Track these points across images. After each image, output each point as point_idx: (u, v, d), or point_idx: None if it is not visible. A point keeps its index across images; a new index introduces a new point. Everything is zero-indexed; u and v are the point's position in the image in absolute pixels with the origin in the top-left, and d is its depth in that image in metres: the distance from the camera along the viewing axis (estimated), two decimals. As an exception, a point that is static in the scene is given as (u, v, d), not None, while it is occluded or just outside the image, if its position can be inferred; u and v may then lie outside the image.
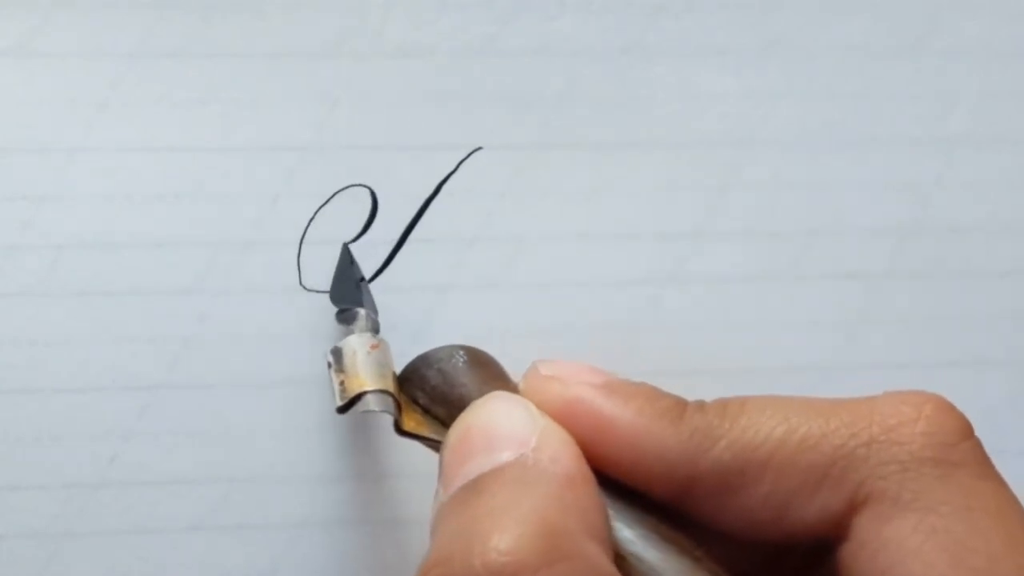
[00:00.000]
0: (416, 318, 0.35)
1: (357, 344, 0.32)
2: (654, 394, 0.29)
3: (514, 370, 0.34)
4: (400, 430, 0.31)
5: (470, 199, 0.36)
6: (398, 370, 0.32)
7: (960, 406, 0.36)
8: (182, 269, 0.35)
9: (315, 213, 0.36)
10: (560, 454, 0.27)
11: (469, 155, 0.36)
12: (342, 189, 0.36)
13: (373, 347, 0.32)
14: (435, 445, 0.30)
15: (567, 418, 0.28)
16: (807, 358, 0.37)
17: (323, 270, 0.35)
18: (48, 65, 0.35)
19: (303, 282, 0.35)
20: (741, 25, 0.38)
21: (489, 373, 0.31)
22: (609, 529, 0.27)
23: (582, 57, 0.37)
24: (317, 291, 0.35)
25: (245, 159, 0.36)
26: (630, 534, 0.27)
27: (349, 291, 0.34)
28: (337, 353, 0.32)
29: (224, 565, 0.34)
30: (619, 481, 0.28)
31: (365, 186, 0.36)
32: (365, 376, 0.32)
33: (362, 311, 0.34)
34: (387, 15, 0.37)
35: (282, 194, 0.36)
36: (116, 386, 0.34)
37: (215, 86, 0.36)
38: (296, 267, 0.35)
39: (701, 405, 0.29)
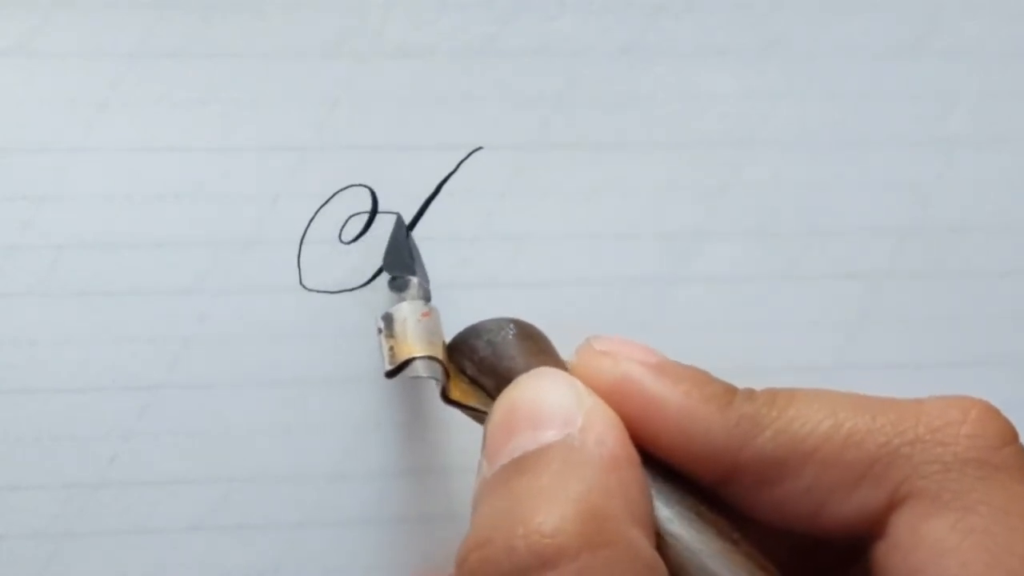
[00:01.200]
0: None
1: (408, 311, 0.32)
2: (704, 378, 0.29)
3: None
4: (446, 398, 0.31)
5: (470, 199, 0.36)
6: (447, 340, 0.32)
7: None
8: (182, 269, 0.35)
9: (315, 213, 0.36)
10: (606, 435, 0.27)
11: (469, 155, 0.36)
12: (342, 189, 0.36)
13: (424, 315, 0.32)
14: (480, 416, 0.30)
15: (616, 395, 0.28)
16: (807, 358, 0.37)
17: (323, 270, 0.35)
18: (48, 65, 0.35)
19: (303, 282, 0.35)
20: (741, 25, 0.38)
21: (538, 347, 0.31)
22: (652, 512, 0.27)
23: (582, 57, 0.37)
24: (317, 291, 0.35)
25: (245, 159, 0.36)
26: (669, 513, 0.27)
27: (402, 259, 0.34)
28: (388, 319, 0.33)
29: (224, 565, 0.34)
30: (661, 461, 0.28)
31: (365, 186, 0.36)
32: (415, 342, 0.32)
33: (414, 279, 0.34)
34: (387, 15, 0.37)
35: (282, 194, 0.36)
36: (116, 386, 0.34)
37: (215, 86, 0.36)
38: (296, 267, 0.35)
39: (750, 393, 0.29)
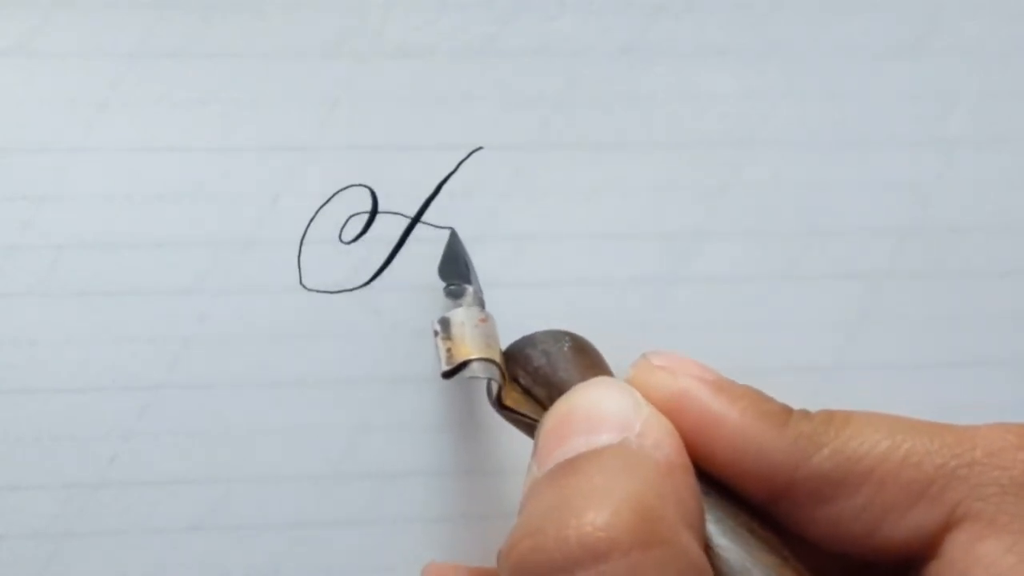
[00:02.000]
0: (417, 316, 0.35)
1: (465, 316, 0.33)
2: (761, 397, 0.29)
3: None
4: (500, 403, 0.31)
5: (470, 199, 0.36)
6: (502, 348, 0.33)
7: (960, 406, 0.36)
8: (182, 269, 0.35)
9: (315, 213, 0.36)
10: (663, 441, 0.27)
11: (469, 155, 0.36)
12: (342, 189, 0.36)
13: (481, 320, 0.33)
14: (530, 424, 0.30)
15: (672, 410, 0.28)
16: (807, 358, 0.37)
17: (323, 270, 0.35)
18: (48, 65, 0.35)
19: (303, 282, 0.35)
20: (741, 25, 0.38)
21: (591, 361, 0.31)
22: (703, 520, 0.27)
23: (582, 57, 0.37)
24: (317, 291, 0.35)
25: (245, 159, 0.36)
26: (720, 526, 0.27)
27: (458, 269, 0.35)
28: (445, 323, 0.33)
29: (224, 565, 0.34)
30: (714, 476, 0.28)
31: (365, 186, 0.36)
32: (472, 345, 0.32)
33: (470, 287, 0.34)
34: (387, 15, 0.37)
35: (282, 194, 0.36)
36: (116, 386, 0.34)
37: (215, 86, 0.36)
38: (296, 267, 0.35)
39: (806, 413, 0.29)
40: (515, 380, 0.32)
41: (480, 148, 0.36)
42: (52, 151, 0.35)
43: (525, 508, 0.27)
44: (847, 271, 0.38)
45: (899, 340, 0.38)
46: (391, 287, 0.36)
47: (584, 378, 0.30)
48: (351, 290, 0.35)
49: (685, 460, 0.27)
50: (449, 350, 0.32)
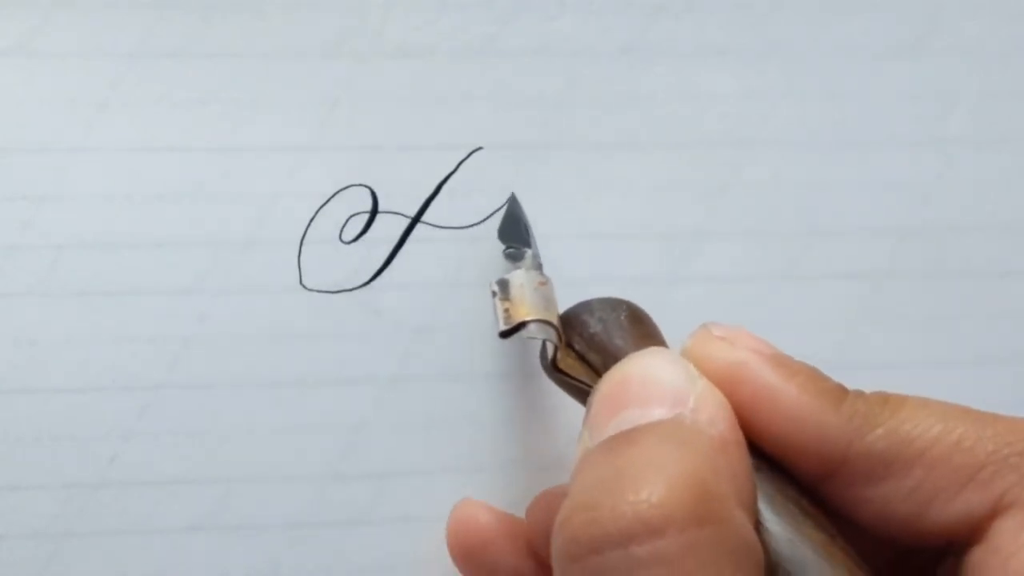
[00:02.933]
0: (418, 316, 0.35)
1: (524, 278, 0.32)
2: (818, 375, 0.29)
3: (516, 372, 0.34)
4: (555, 366, 0.31)
5: (470, 199, 0.36)
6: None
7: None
8: (182, 269, 0.35)
9: (315, 213, 0.36)
10: (717, 417, 0.27)
11: (469, 155, 0.36)
12: (342, 189, 0.36)
13: (541, 283, 0.32)
14: (583, 390, 0.30)
15: (730, 381, 0.28)
16: (808, 357, 0.37)
17: (323, 270, 0.35)
18: (48, 65, 0.35)
19: (303, 282, 0.35)
20: (741, 25, 0.38)
21: (647, 330, 0.31)
22: (755, 498, 0.27)
23: (582, 57, 0.37)
24: (317, 291, 0.35)
25: (245, 159, 0.36)
26: (770, 503, 0.27)
27: (518, 232, 0.35)
28: (503, 284, 0.33)
29: (224, 565, 0.34)
30: (766, 451, 0.28)
31: (365, 186, 0.36)
32: (531, 307, 0.32)
33: (530, 251, 0.34)
34: (387, 15, 0.37)
35: (282, 194, 0.36)
36: (116, 386, 0.34)
37: (215, 86, 0.36)
38: (296, 267, 0.35)
39: (862, 393, 0.29)
40: (569, 345, 0.31)
41: (480, 148, 0.36)
42: (52, 151, 0.35)
43: (578, 479, 0.27)
44: (847, 271, 0.38)
45: (899, 340, 0.38)
46: (391, 287, 0.36)
47: (639, 348, 0.30)
48: (351, 290, 0.35)
49: (739, 436, 0.27)
50: (507, 310, 0.32)
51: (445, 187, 0.36)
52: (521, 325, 0.32)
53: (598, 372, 0.30)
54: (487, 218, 0.36)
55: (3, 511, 0.34)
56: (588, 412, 0.28)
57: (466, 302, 0.35)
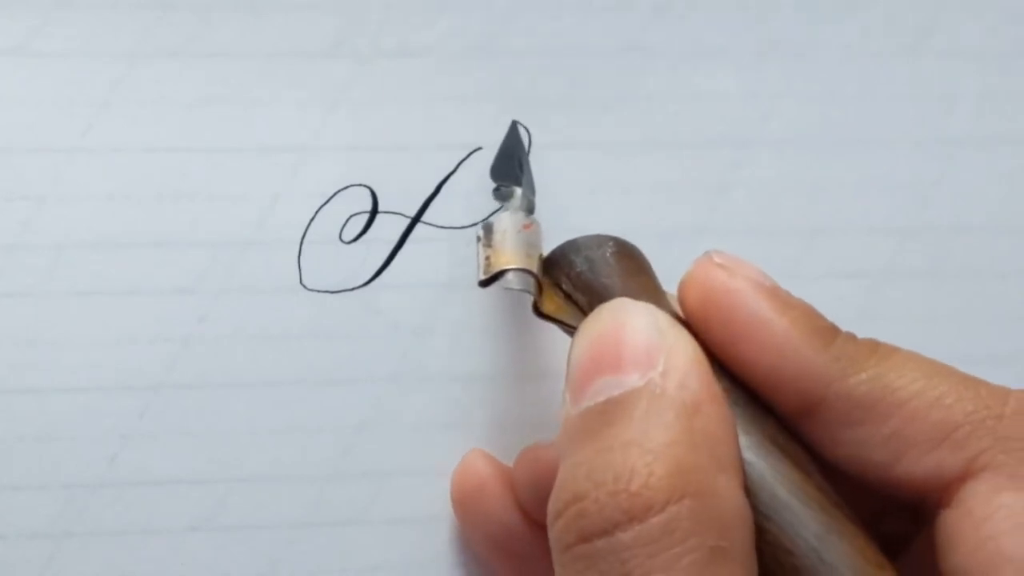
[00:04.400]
0: (417, 317, 0.35)
1: (509, 222, 0.32)
2: (812, 312, 0.29)
3: (516, 373, 0.34)
4: (538, 311, 0.31)
5: (470, 199, 0.36)
6: (545, 253, 0.32)
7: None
8: (182, 269, 0.35)
9: (315, 213, 0.36)
10: (688, 378, 0.27)
11: (469, 155, 0.36)
12: (342, 189, 0.36)
13: (525, 227, 0.32)
14: (570, 330, 0.30)
15: (723, 309, 0.29)
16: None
17: (323, 270, 0.35)
18: (48, 65, 0.35)
19: (303, 282, 0.35)
20: (741, 25, 0.38)
21: (636, 266, 0.31)
22: (738, 452, 0.27)
23: (582, 57, 0.37)
24: (317, 291, 0.35)
25: (245, 159, 0.36)
26: (747, 441, 0.27)
27: (511, 168, 0.34)
28: (488, 228, 0.32)
29: (224, 565, 0.34)
30: (744, 384, 0.29)
31: (365, 186, 0.36)
32: (512, 254, 0.32)
33: (519, 190, 0.34)
34: (387, 15, 0.37)
35: (282, 194, 0.36)
36: (116, 386, 0.34)
37: (215, 86, 0.36)
38: (296, 267, 0.35)
39: (853, 336, 0.29)
40: (557, 286, 0.31)
41: (480, 148, 0.36)
42: (52, 151, 0.35)
43: (565, 459, 0.27)
44: (847, 271, 0.38)
45: (899, 340, 0.37)
46: (391, 287, 0.36)
47: (627, 285, 0.30)
48: (351, 290, 0.35)
49: (713, 391, 0.27)
50: (488, 258, 0.32)
51: (445, 187, 0.36)
52: (499, 274, 0.31)
53: (585, 312, 0.30)
54: (487, 218, 0.36)
55: (3, 511, 0.34)
56: (568, 371, 0.28)
57: (466, 302, 0.35)
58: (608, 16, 0.37)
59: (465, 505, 0.34)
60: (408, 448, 0.35)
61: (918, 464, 0.28)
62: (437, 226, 0.36)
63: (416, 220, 0.36)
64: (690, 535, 0.25)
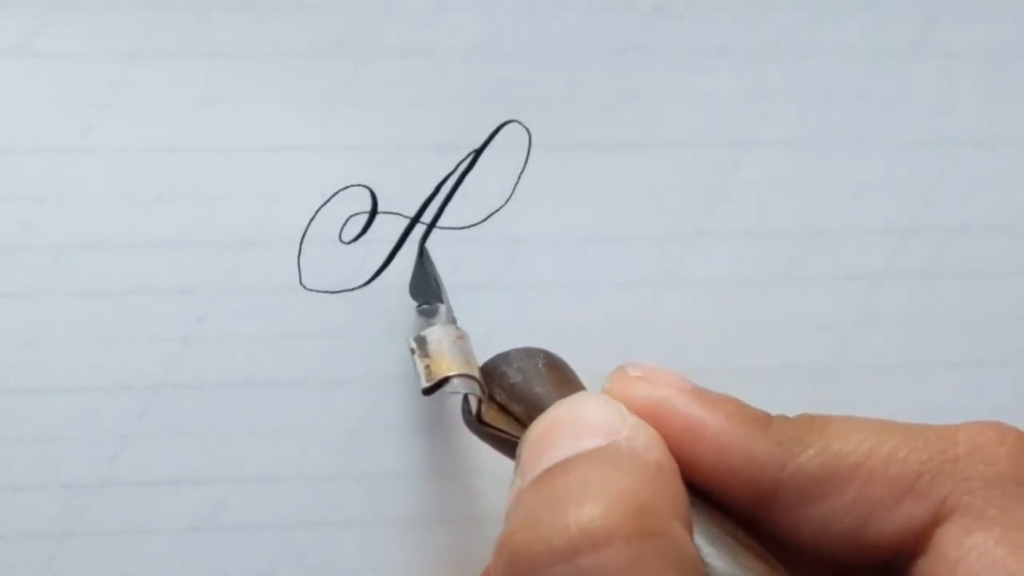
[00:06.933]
0: (416, 318, 0.35)
1: (442, 333, 0.33)
2: (741, 404, 0.29)
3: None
4: (480, 420, 0.32)
5: (470, 199, 0.36)
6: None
7: (960, 406, 0.36)
8: (182, 269, 0.35)
9: (315, 213, 0.36)
10: (651, 445, 0.27)
11: (469, 155, 0.36)
12: (342, 189, 0.36)
13: (458, 337, 0.33)
14: (509, 441, 0.31)
15: (654, 417, 0.28)
16: (807, 358, 0.37)
17: (323, 270, 0.35)
18: (48, 65, 0.35)
19: (303, 282, 0.35)
20: (741, 25, 0.38)
21: (566, 376, 0.32)
22: (691, 521, 0.27)
23: (582, 57, 0.37)
24: (317, 291, 0.35)
25: (245, 159, 0.36)
26: (707, 536, 0.28)
27: (428, 287, 0.35)
28: (421, 340, 0.33)
29: (224, 565, 0.34)
30: (697, 485, 0.28)
31: (365, 186, 0.36)
32: (451, 362, 0.32)
33: (443, 306, 0.34)
34: (387, 15, 0.37)
35: (282, 194, 0.36)
36: (116, 386, 0.34)
37: (215, 86, 0.36)
38: (296, 267, 0.35)
39: (786, 417, 0.29)
40: (491, 399, 0.32)
41: (480, 148, 0.36)
42: (52, 151, 0.35)
43: (512, 512, 0.27)
44: (847, 271, 0.38)
45: (899, 340, 0.38)
46: (391, 287, 0.36)
47: (560, 393, 0.30)
48: (351, 290, 0.35)
49: (673, 464, 0.27)
50: (428, 367, 0.32)
51: (444, 187, 0.36)
52: (444, 380, 0.32)
53: (522, 423, 0.30)
54: (487, 218, 0.36)
55: (3, 511, 0.34)
56: (518, 459, 0.28)
57: (465, 303, 0.35)
58: (608, 16, 0.37)
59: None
60: (407, 448, 0.35)
61: (887, 522, 0.27)
62: (437, 227, 0.36)
63: (416, 220, 0.36)
64: (657, 572, 0.25)
